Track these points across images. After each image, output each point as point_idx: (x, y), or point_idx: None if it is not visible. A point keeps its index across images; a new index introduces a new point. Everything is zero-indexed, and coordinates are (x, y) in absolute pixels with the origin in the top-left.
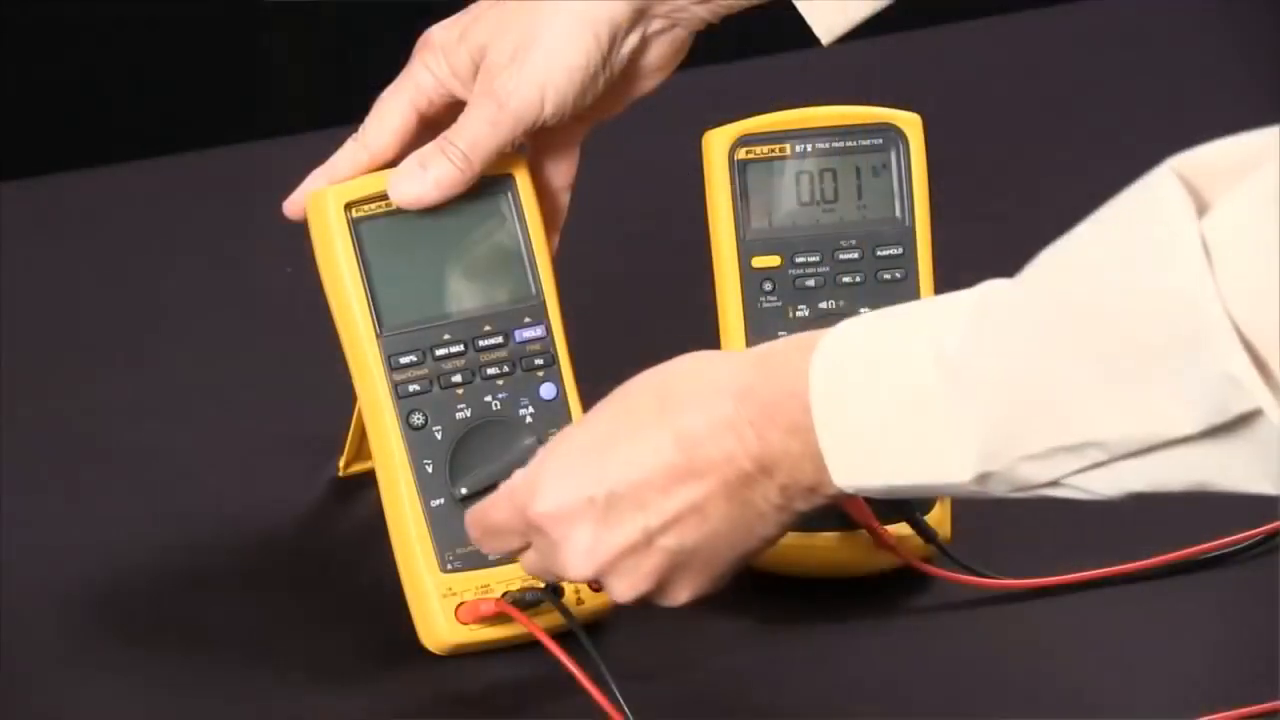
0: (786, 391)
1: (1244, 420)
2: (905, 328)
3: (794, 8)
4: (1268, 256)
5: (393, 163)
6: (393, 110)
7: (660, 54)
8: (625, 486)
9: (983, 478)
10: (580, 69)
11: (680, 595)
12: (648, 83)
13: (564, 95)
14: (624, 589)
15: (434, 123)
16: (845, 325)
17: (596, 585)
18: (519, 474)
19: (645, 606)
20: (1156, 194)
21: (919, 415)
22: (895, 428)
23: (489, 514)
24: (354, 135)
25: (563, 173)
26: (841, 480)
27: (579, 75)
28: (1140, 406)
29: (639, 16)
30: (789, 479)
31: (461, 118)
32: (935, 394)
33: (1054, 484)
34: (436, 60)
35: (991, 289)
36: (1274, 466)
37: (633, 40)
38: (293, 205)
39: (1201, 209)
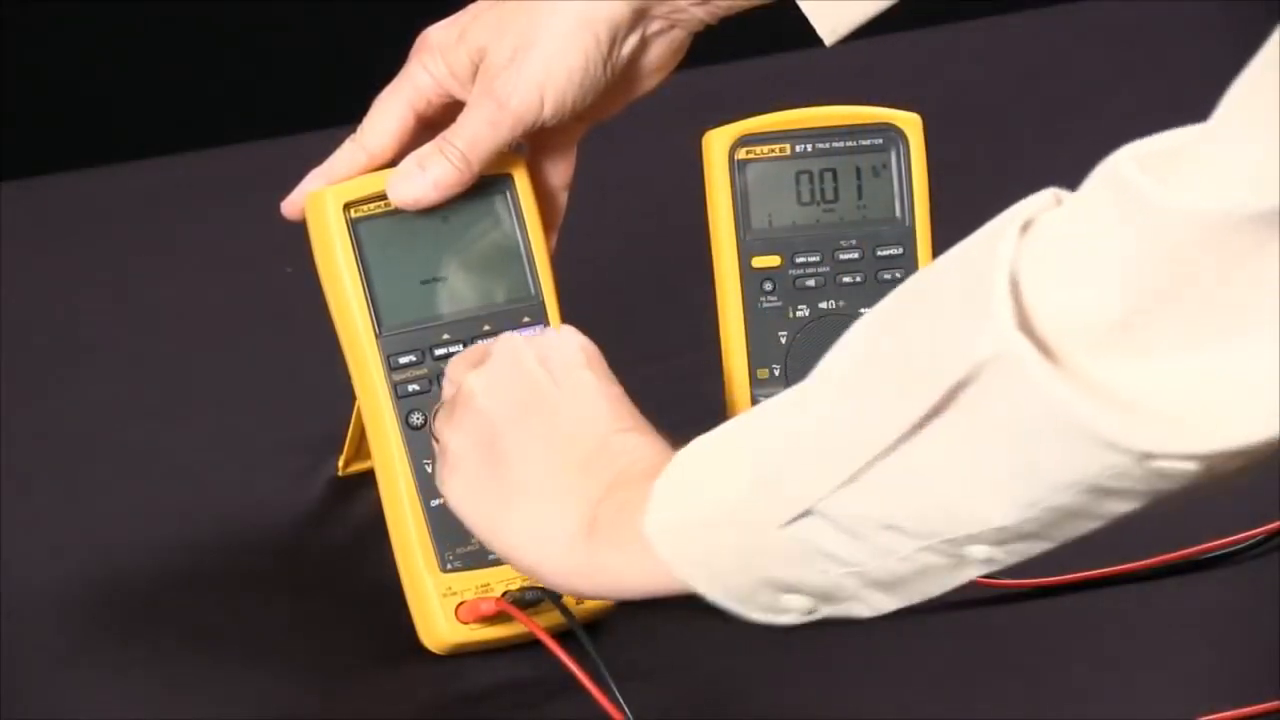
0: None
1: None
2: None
3: (793, 7)
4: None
5: (391, 163)
6: (390, 111)
7: (659, 55)
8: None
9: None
10: (579, 70)
11: (450, 484)
12: (647, 83)
13: (563, 96)
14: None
15: (432, 123)
16: (682, 453)
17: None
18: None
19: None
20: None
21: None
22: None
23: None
24: (352, 136)
25: (561, 172)
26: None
27: (578, 76)
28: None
29: (638, 17)
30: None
31: (460, 118)
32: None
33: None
34: (434, 61)
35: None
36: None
37: (632, 41)
38: (291, 205)
39: None
